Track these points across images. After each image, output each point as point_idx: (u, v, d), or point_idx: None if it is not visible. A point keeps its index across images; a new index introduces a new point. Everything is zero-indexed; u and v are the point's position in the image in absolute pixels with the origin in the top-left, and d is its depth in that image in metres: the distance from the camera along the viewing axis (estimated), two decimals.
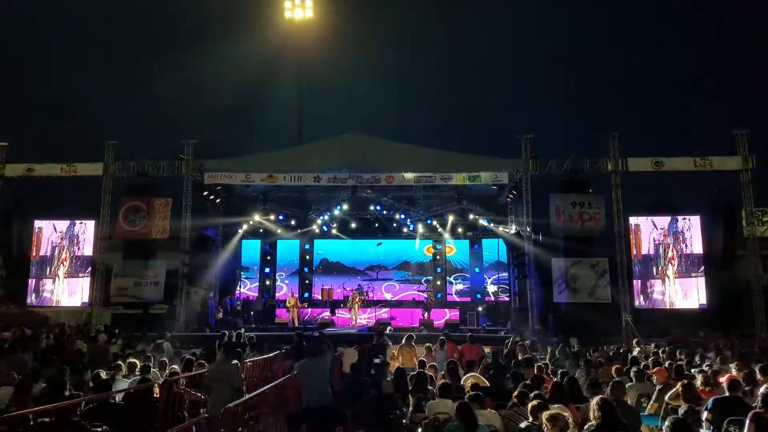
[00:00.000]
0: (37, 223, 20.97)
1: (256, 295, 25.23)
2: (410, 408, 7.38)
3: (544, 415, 5.02)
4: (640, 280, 19.23)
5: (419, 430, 6.69)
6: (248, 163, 20.47)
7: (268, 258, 26.31)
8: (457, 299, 25.59)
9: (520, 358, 10.63)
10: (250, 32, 35.02)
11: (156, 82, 34.25)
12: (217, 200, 21.95)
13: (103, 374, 8.28)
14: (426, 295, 23.22)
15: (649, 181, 20.05)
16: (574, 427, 5.10)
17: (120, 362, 9.51)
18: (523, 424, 5.69)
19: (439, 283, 25.83)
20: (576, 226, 18.84)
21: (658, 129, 33.61)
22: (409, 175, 19.73)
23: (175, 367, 9.20)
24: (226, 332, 14.90)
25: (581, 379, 8.61)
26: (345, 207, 23.81)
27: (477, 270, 26.15)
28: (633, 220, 19.53)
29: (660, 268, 19.25)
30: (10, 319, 18.44)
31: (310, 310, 23.67)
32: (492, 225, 23.74)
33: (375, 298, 24.24)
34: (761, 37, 31.69)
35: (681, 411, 6.29)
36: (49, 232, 20.92)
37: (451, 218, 24.31)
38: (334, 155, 19.94)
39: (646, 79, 37.36)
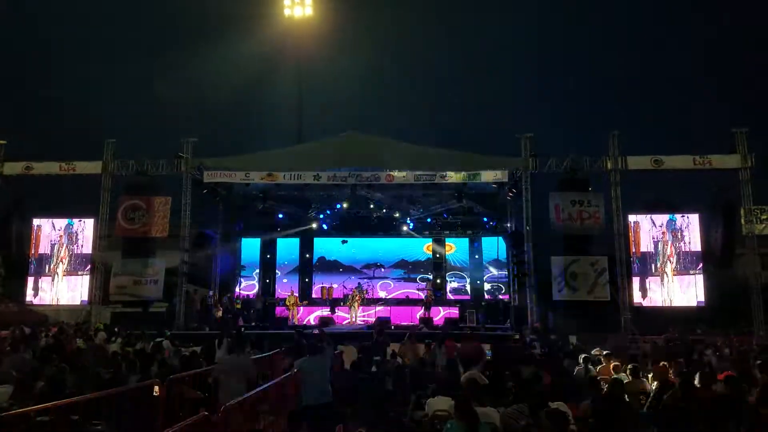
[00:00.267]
0: (36, 221, 20.95)
1: (256, 293, 25.23)
2: (410, 405, 7.39)
3: (544, 412, 5.03)
4: (639, 278, 19.27)
5: (419, 427, 6.70)
6: (248, 161, 20.45)
7: (268, 256, 26.29)
8: (457, 297, 25.61)
9: (519, 355, 10.65)
10: (250, 30, 35.01)
11: (155, 80, 34.28)
12: (217, 198, 21.93)
13: (103, 373, 8.28)
14: (426, 293, 23.22)
15: (648, 179, 20.09)
16: (573, 424, 5.11)
17: (120, 360, 9.51)
18: (522, 422, 5.70)
19: (438, 281, 25.84)
20: (575, 225, 18.87)
21: (658, 128, 33.66)
22: (409, 174, 19.72)
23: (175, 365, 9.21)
24: (226, 330, 14.89)
25: (580, 376, 8.63)
26: (345, 205, 23.81)
27: (476, 268, 26.16)
28: (632, 218, 19.57)
29: (659, 266, 19.28)
30: (9, 318, 18.44)
31: (303, 308, 23.50)
32: (492, 223, 23.75)
33: (373, 297, 24.27)
34: (761, 37, 31.72)
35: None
36: (48, 230, 20.91)
37: (451, 216, 24.30)
38: (333, 154, 19.93)
39: (646, 79, 37.48)
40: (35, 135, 28.97)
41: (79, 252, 20.67)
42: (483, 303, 24.29)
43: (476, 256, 26.27)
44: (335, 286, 24.61)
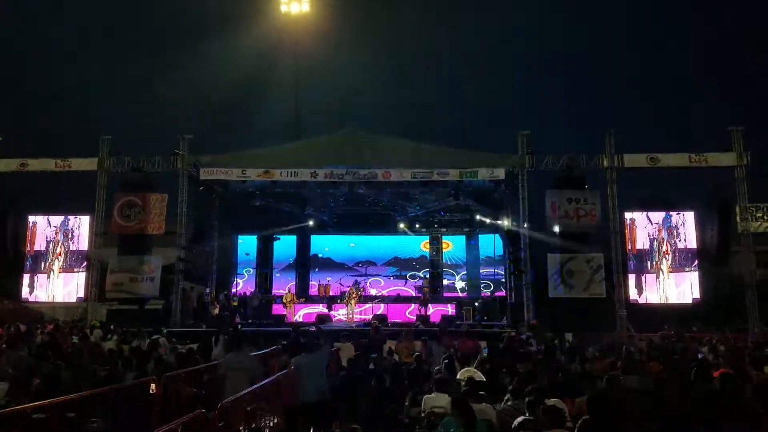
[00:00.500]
0: (32, 218, 20.86)
1: (253, 290, 25.21)
2: (407, 402, 7.40)
3: (541, 408, 5.04)
4: (634, 275, 19.34)
5: (416, 424, 6.71)
6: (244, 158, 20.40)
7: (264, 254, 26.28)
8: (453, 295, 25.65)
9: (515, 353, 10.67)
10: (246, 27, 34.87)
11: (151, 77, 34.15)
12: (213, 196, 21.88)
13: (99, 370, 8.27)
14: (422, 291, 23.26)
15: (644, 176, 20.14)
16: (569, 420, 5.13)
17: (116, 358, 9.50)
18: (518, 419, 5.71)
19: (435, 278, 25.87)
20: (571, 222, 18.91)
21: (654, 126, 33.75)
22: (406, 171, 19.72)
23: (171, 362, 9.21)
24: (222, 328, 14.88)
25: (576, 373, 8.66)
26: (341, 203, 23.78)
27: (473, 265, 26.20)
28: (628, 215, 19.63)
29: (654, 263, 19.34)
30: (4, 315, 18.38)
31: (300, 306, 23.48)
32: (488, 220, 23.78)
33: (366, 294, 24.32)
34: (757, 35, 31.81)
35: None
36: (43, 226, 20.81)
37: (447, 214, 24.33)
38: (330, 151, 19.91)
39: (642, 77, 37.52)
40: (31, 132, 28.87)
41: (75, 249, 20.60)
42: (479, 300, 24.35)
43: (473, 254, 26.31)
44: (329, 278, 24.59)
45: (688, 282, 19.12)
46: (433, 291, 24.77)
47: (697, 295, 18.97)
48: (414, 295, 24.80)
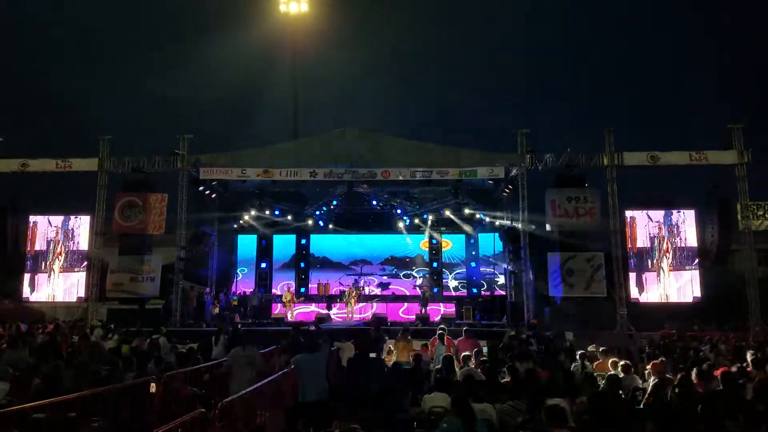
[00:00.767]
0: (32, 218, 20.89)
1: (252, 290, 25.21)
2: (406, 402, 7.39)
3: (541, 408, 5.03)
4: (635, 273, 19.31)
5: (416, 424, 6.70)
6: (244, 158, 20.41)
7: (264, 253, 26.28)
8: (453, 294, 25.64)
9: (515, 352, 10.65)
10: (245, 26, 34.86)
11: (152, 77, 34.12)
12: (213, 195, 21.88)
13: (99, 370, 8.26)
14: (422, 290, 23.25)
15: (644, 175, 20.11)
16: (570, 420, 5.12)
17: (116, 358, 9.49)
18: (518, 418, 5.71)
19: (435, 277, 25.86)
20: (571, 221, 18.88)
21: (654, 124, 33.71)
22: (406, 170, 19.71)
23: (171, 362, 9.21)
24: (222, 327, 14.86)
25: (577, 372, 8.66)
26: (341, 202, 23.77)
27: (473, 264, 26.19)
28: (628, 214, 19.60)
29: (655, 261, 19.32)
30: (5, 315, 18.39)
31: (299, 305, 23.49)
32: (488, 219, 23.78)
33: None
34: (757, 34, 31.77)
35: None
36: (44, 226, 20.85)
37: (447, 213, 24.31)
38: (330, 150, 19.92)
39: (644, 76, 37.47)
40: (31, 132, 28.86)
41: (75, 249, 20.63)
42: (479, 299, 24.34)
43: (472, 253, 26.31)
44: (327, 280, 24.56)
45: (689, 280, 19.10)
46: (434, 289, 24.76)
47: (697, 293, 18.96)
48: (409, 294, 24.82)
